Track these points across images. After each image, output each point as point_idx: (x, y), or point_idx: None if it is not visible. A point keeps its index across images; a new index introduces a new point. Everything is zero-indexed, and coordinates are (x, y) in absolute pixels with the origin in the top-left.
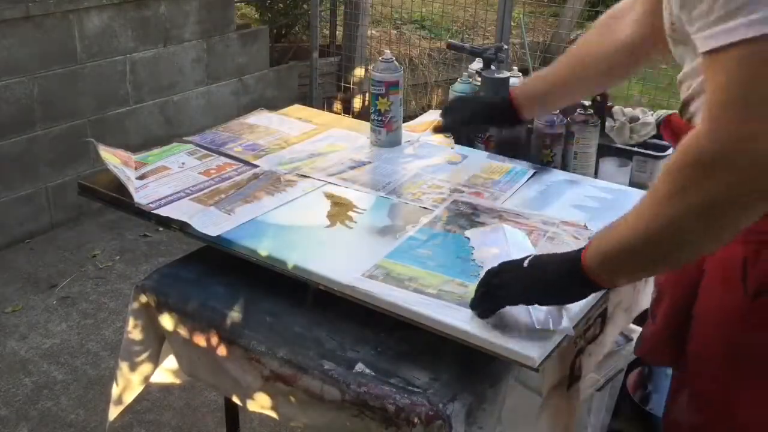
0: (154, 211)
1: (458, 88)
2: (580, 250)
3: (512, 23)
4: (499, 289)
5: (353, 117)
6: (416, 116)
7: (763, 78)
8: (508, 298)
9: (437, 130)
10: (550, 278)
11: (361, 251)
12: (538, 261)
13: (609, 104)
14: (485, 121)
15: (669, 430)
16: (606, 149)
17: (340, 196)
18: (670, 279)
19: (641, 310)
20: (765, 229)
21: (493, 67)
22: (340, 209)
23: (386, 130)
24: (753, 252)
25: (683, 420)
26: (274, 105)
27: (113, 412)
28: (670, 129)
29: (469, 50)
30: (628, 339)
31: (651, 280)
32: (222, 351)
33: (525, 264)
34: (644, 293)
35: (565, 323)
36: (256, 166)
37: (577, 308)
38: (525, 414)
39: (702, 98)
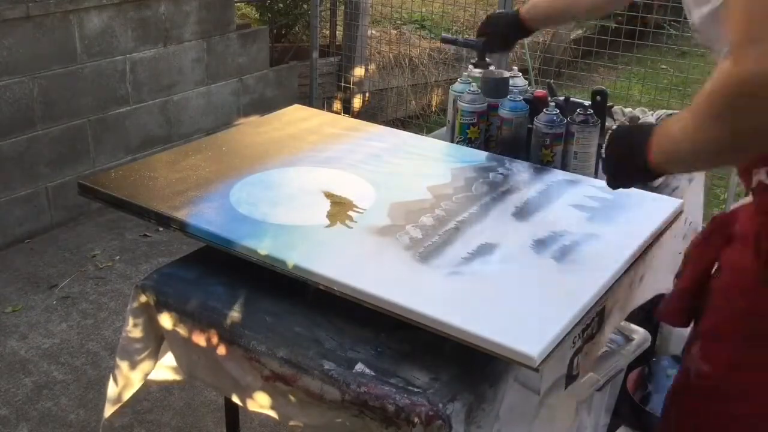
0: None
1: (458, 88)
2: (646, 145)
3: None
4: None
5: (353, 117)
6: (416, 116)
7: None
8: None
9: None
10: (623, 166)
11: (361, 251)
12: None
13: (609, 104)
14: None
15: (681, 375)
16: None
17: (339, 195)
18: (699, 246)
19: (634, 307)
20: None
21: (489, 60)
22: (340, 209)
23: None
24: None
25: (692, 368)
26: (274, 105)
27: (109, 410)
28: None
29: (463, 43)
30: (629, 339)
31: (646, 276)
32: (222, 351)
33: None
34: (638, 291)
35: None
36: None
37: (577, 309)
38: (522, 412)
39: None
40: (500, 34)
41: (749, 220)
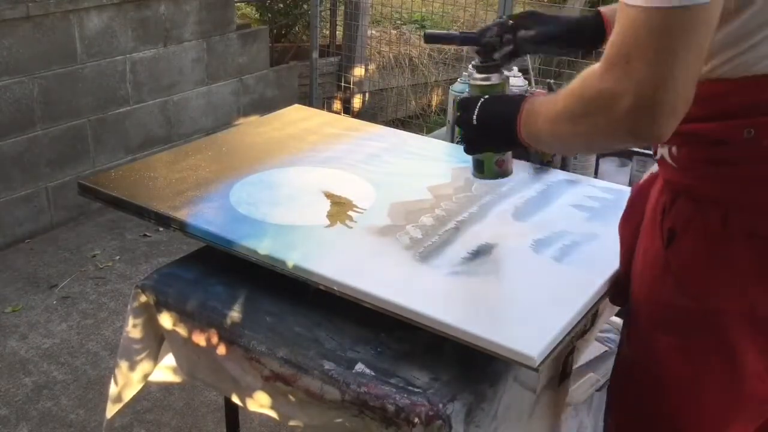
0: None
1: (458, 88)
2: (517, 112)
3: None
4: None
5: (353, 117)
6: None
7: (641, 40)
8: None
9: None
10: (493, 135)
11: (361, 251)
12: (485, 118)
13: None
14: (569, 41)
15: (617, 362)
16: None
17: (339, 195)
18: (621, 224)
19: None
20: (684, 181)
21: (496, 56)
22: (339, 209)
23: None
24: (670, 200)
25: (624, 353)
26: (274, 105)
27: (111, 410)
28: None
29: (460, 38)
30: None
31: None
32: (222, 351)
33: (474, 120)
34: None
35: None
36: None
37: (577, 309)
38: (519, 411)
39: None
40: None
41: (655, 197)
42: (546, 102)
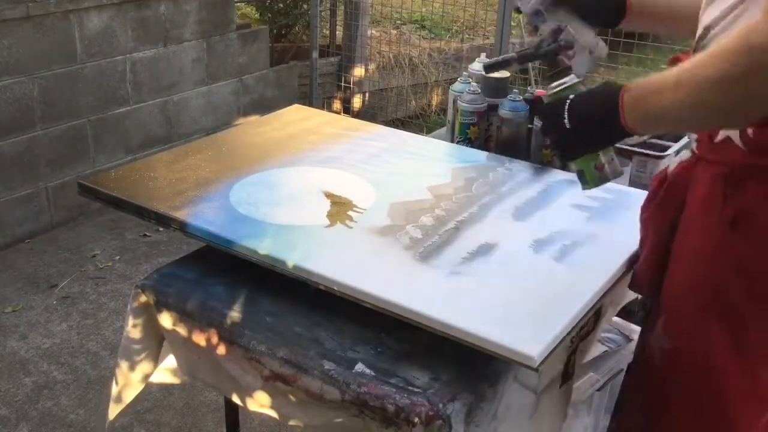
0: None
1: (458, 88)
2: (618, 103)
3: (512, 23)
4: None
5: (353, 117)
6: (416, 116)
7: None
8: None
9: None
10: (592, 134)
11: (361, 251)
12: (579, 118)
13: None
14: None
15: (641, 356)
16: None
17: (340, 195)
18: (651, 216)
19: (625, 303)
20: (759, 162)
21: (562, 58)
22: (340, 209)
23: None
24: (733, 184)
25: (656, 345)
26: (274, 105)
27: (113, 411)
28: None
29: (518, 59)
30: (629, 339)
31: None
32: (222, 351)
33: (567, 123)
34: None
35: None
36: None
37: (577, 309)
38: (520, 411)
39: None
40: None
41: (707, 183)
42: (669, 76)
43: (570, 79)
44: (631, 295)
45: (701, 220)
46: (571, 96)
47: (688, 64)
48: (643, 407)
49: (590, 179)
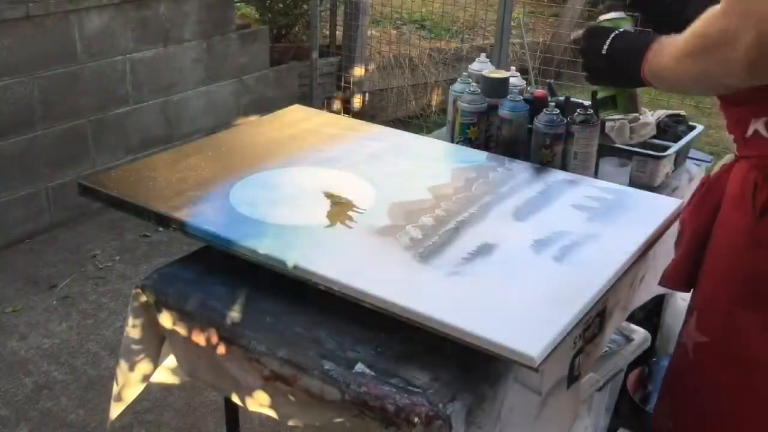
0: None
1: (458, 88)
2: (644, 55)
3: (512, 23)
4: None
5: (353, 117)
6: (416, 116)
7: None
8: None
9: None
10: (618, 69)
11: (361, 251)
12: (615, 50)
13: None
14: None
15: (678, 352)
16: (606, 149)
17: (339, 195)
18: (690, 214)
19: (635, 307)
20: None
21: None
22: (340, 209)
23: None
24: (763, 175)
25: (689, 343)
26: (274, 105)
27: (114, 411)
28: None
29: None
30: (629, 339)
31: (646, 276)
32: (222, 351)
33: (605, 51)
34: (639, 291)
35: None
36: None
37: (577, 310)
38: (524, 413)
39: None
40: None
41: (742, 176)
42: (673, 40)
43: (619, 15)
44: (640, 300)
45: (735, 213)
46: (620, 29)
47: (684, 34)
48: (674, 400)
49: (621, 107)
